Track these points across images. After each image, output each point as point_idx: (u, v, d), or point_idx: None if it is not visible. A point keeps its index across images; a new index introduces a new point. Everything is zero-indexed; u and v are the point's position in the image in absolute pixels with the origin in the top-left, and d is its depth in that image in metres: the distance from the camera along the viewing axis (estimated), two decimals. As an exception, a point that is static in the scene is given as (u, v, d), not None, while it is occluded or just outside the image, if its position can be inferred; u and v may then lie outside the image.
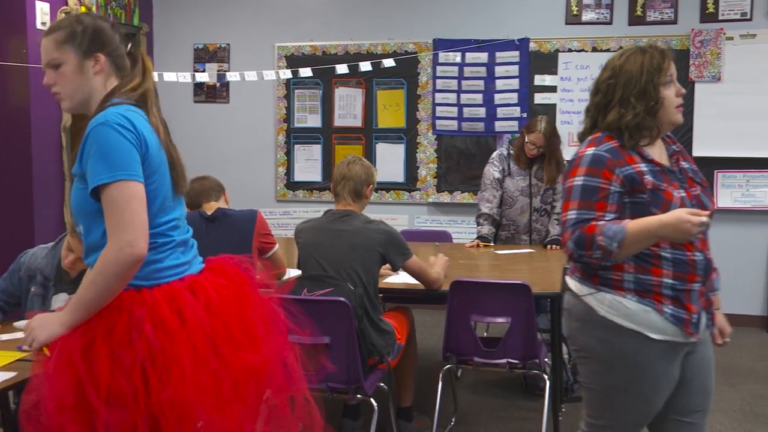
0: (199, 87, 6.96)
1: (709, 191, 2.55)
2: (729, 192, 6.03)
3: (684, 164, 2.50)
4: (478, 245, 4.92)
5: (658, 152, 2.47)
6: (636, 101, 2.41)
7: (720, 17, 5.98)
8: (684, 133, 6.03)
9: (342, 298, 3.23)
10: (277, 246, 3.75)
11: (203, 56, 6.94)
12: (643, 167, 2.39)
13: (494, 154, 5.14)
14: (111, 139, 1.99)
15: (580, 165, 2.41)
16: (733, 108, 5.94)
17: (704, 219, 2.21)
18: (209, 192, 3.78)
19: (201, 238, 3.52)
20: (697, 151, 6.00)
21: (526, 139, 4.86)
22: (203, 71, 6.86)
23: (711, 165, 6.02)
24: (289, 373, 2.22)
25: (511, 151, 5.02)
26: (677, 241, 2.32)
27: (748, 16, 5.92)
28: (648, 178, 2.38)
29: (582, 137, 2.55)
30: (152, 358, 1.97)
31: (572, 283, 2.53)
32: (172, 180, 2.16)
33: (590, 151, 2.41)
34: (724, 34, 5.93)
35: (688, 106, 6.00)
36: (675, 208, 2.31)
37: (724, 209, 6.02)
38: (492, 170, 5.04)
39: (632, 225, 2.31)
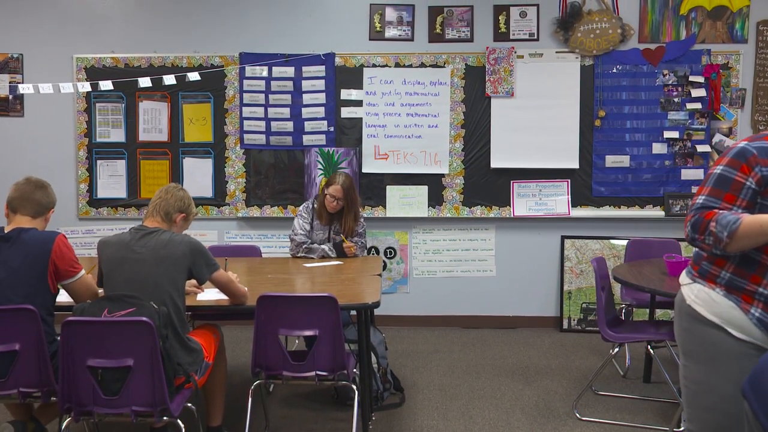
0: (-11, 99, 6.55)
1: None
2: (524, 201, 6.41)
3: None
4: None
5: None
6: None
7: (511, 37, 6.36)
8: (482, 146, 6.37)
9: (145, 318, 3.15)
10: (80, 274, 3.53)
11: (-7, 67, 6.54)
12: None
13: (302, 207, 5.30)
14: None
15: (727, 155, 2.38)
16: (525, 122, 6.34)
17: None
18: (31, 204, 3.54)
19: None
20: (495, 163, 6.36)
21: (326, 192, 5.09)
22: (-7, 83, 6.45)
23: (507, 175, 6.39)
24: None
25: (315, 206, 5.23)
26: None
27: (536, 37, 6.35)
28: None
29: None
30: None
31: (683, 274, 2.57)
32: None
33: (741, 144, 2.38)
34: (516, 52, 6.32)
35: (485, 120, 6.35)
36: None
37: (520, 217, 6.41)
38: (302, 223, 5.21)
39: (747, 218, 2.26)
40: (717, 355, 2.39)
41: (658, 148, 6.32)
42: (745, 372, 2.31)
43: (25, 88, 5.84)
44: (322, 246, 5.10)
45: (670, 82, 6.28)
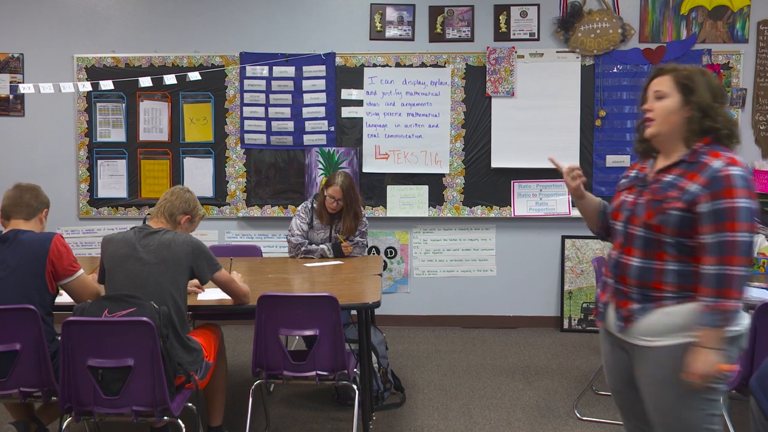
0: (-11, 99, 6.55)
1: (655, 205, 2.50)
2: (524, 201, 6.41)
3: (667, 177, 2.51)
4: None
5: (661, 162, 2.61)
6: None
7: (512, 36, 6.36)
8: (483, 146, 6.37)
9: (145, 318, 3.15)
10: (78, 273, 3.54)
11: (-7, 67, 6.54)
12: (632, 173, 2.72)
13: (300, 208, 5.28)
14: None
15: None
16: (525, 122, 6.33)
17: (563, 166, 2.78)
18: (21, 207, 3.57)
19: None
20: (495, 163, 6.36)
21: (326, 193, 5.07)
22: (-7, 82, 6.46)
23: (508, 175, 6.39)
24: None
25: (315, 206, 5.20)
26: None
27: (536, 36, 6.35)
28: (621, 182, 2.75)
29: None
30: None
31: None
32: None
33: None
34: (516, 52, 6.31)
35: (485, 119, 6.35)
36: (610, 207, 2.74)
37: (520, 217, 6.41)
38: (300, 223, 5.19)
39: None
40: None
41: (659, 148, 6.31)
42: (605, 350, 2.74)
43: (25, 88, 5.84)
44: (321, 246, 5.10)
45: (670, 82, 6.26)
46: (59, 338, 3.24)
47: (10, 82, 6.51)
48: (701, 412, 2.45)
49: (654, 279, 2.47)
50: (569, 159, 6.30)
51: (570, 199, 6.36)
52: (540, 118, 6.33)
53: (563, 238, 6.50)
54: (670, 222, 2.44)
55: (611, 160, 6.32)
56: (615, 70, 6.29)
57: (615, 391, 2.79)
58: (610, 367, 2.75)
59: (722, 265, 2.33)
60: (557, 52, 6.33)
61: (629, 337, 2.56)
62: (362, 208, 5.29)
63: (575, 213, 6.37)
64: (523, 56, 6.33)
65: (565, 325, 6.52)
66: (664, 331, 2.46)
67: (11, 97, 6.56)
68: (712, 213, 2.35)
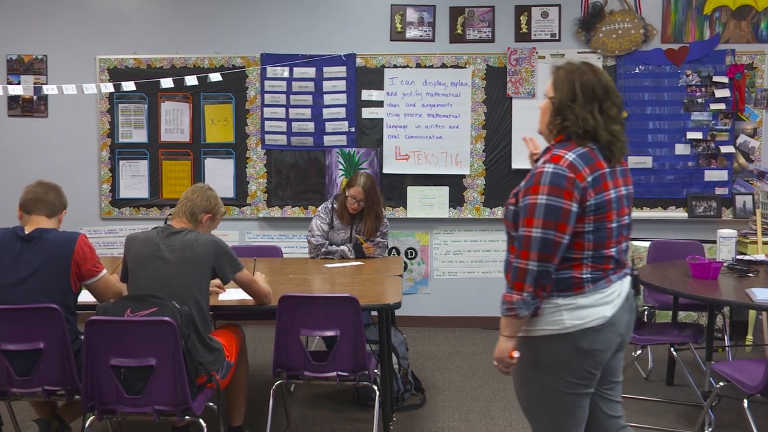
0: (13, 100, 6.60)
1: (511, 208, 2.59)
2: (545, 202, 6.37)
3: None
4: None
5: None
6: None
7: (533, 37, 6.34)
8: (503, 147, 6.35)
9: (167, 318, 3.16)
10: (102, 273, 3.55)
11: (17, 68, 6.58)
12: None
13: (320, 208, 5.28)
14: None
15: None
16: (546, 123, 6.29)
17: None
18: (45, 205, 3.56)
19: (14, 259, 3.40)
20: (516, 164, 6.34)
21: (347, 194, 5.06)
22: (18, 84, 6.52)
23: (528, 176, 6.36)
24: None
25: (335, 206, 5.18)
26: None
27: (557, 37, 6.33)
28: None
29: None
30: None
31: None
32: None
33: None
34: (537, 53, 6.29)
35: (506, 120, 6.33)
36: None
37: (541, 218, 6.37)
38: (320, 223, 5.18)
39: None
40: None
41: (681, 149, 6.28)
42: None
43: (49, 89, 5.89)
44: (341, 247, 5.10)
45: (693, 83, 6.23)
46: (82, 337, 3.27)
47: (34, 84, 6.56)
48: (537, 403, 2.71)
49: (507, 272, 2.56)
50: (590, 160, 6.27)
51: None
52: (561, 119, 6.28)
53: (584, 239, 6.46)
54: (508, 216, 2.57)
55: (633, 161, 6.27)
56: (637, 71, 6.25)
57: None
58: None
59: (517, 258, 2.44)
60: (578, 52, 6.30)
61: None
62: (383, 209, 5.28)
63: (596, 214, 6.33)
64: (544, 57, 6.31)
65: (586, 327, 6.47)
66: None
67: (35, 98, 6.62)
68: (521, 208, 2.46)
